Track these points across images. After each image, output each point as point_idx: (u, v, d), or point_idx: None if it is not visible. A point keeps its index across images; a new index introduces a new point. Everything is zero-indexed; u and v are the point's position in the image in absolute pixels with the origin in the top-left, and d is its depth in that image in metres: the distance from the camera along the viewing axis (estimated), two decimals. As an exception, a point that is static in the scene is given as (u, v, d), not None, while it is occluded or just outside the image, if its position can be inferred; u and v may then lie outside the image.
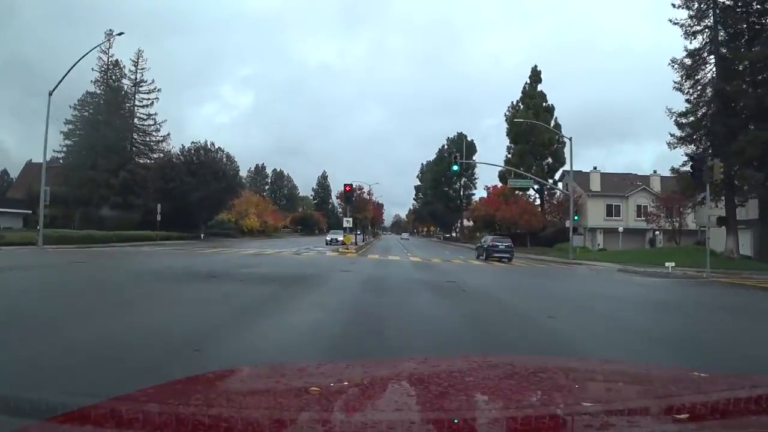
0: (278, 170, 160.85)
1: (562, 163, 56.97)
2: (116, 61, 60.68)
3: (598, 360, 3.48)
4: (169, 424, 1.16)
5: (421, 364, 2.06)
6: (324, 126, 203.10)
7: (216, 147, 58.85)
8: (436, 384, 1.60)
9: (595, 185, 50.15)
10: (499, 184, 56.87)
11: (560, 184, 56.02)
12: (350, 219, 30.79)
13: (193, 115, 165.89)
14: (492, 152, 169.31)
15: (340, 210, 67.40)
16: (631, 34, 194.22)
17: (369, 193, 47.03)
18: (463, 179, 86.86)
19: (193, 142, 58.27)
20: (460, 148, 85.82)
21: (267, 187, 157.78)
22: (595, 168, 49.75)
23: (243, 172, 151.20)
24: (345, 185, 30.18)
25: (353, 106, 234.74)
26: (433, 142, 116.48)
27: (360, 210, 39.50)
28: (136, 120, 61.18)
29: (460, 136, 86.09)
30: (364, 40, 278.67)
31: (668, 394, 1.53)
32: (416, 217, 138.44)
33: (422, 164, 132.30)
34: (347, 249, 30.87)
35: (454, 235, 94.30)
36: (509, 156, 56.94)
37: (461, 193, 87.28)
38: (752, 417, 1.25)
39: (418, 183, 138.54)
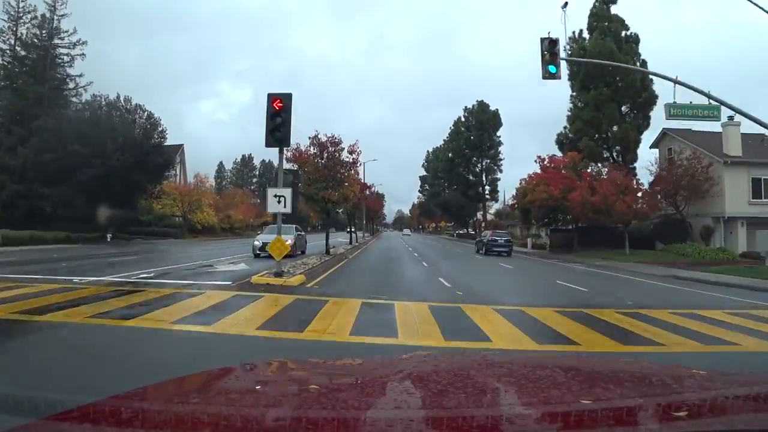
0: (267, 161, 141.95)
1: (648, 120, 36.27)
2: (42, 16, 41.27)
3: (596, 358, 2.98)
4: (168, 422, 1.13)
5: (421, 362, 1.98)
6: (323, 120, 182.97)
7: (134, 104, 38.48)
8: (435, 382, 1.56)
9: (734, 147, 29.60)
10: (558, 154, 36.30)
11: (654, 152, 35.47)
12: (284, 193, 10.28)
13: (191, 111, 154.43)
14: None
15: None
16: (639, 26, 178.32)
17: (353, 152, 21.63)
18: (485, 161, 66.40)
19: (94, 95, 38.01)
20: (482, 119, 65.52)
21: (255, 180, 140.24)
22: (730, 118, 28.77)
23: (228, 164, 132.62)
24: (271, 97, 10.23)
25: (352, 99, 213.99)
26: (436, 137, 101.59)
27: (333, 182, 19.05)
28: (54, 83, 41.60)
29: (481, 105, 65.62)
30: (363, 32, 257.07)
31: (667, 391, 1.50)
32: (422, 211, 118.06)
33: (428, 152, 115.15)
34: (272, 277, 10.48)
35: (470, 231, 73.70)
36: (575, 109, 36.38)
37: (483, 178, 66.69)
38: (751, 414, 1.21)
39: (424, 173, 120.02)
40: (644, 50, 37.07)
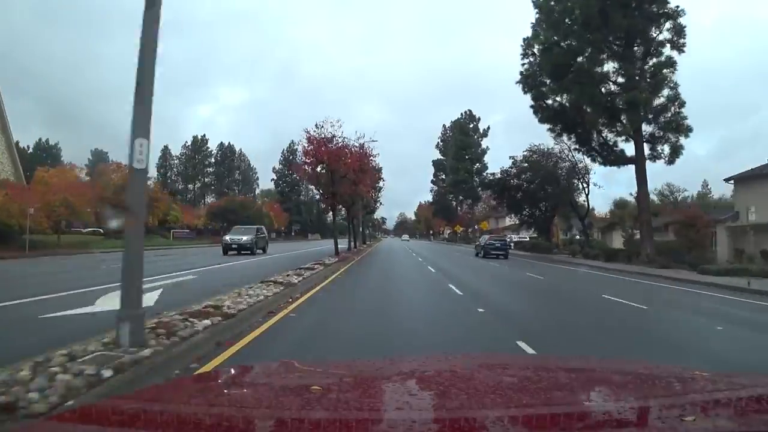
0: (227, 144, 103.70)
1: None
2: None
3: (599, 359, 2.85)
4: (170, 422, 1.10)
5: (422, 364, 1.91)
6: (320, 119, 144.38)
7: None
8: (437, 383, 1.53)
9: None
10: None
11: None
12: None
13: (188, 111, 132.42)
14: (502, 149, 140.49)
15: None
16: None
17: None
18: (648, 54, 25.22)
19: None
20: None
21: (211, 170, 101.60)
22: None
23: (177, 149, 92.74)
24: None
25: (350, 97, 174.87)
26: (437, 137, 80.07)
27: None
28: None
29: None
30: (361, 26, 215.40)
31: (670, 393, 1.47)
32: (438, 208, 77.59)
33: (444, 126, 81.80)
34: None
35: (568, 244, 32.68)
36: None
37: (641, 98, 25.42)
38: (755, 416, 1.17)
39: (438, 157, 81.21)
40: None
